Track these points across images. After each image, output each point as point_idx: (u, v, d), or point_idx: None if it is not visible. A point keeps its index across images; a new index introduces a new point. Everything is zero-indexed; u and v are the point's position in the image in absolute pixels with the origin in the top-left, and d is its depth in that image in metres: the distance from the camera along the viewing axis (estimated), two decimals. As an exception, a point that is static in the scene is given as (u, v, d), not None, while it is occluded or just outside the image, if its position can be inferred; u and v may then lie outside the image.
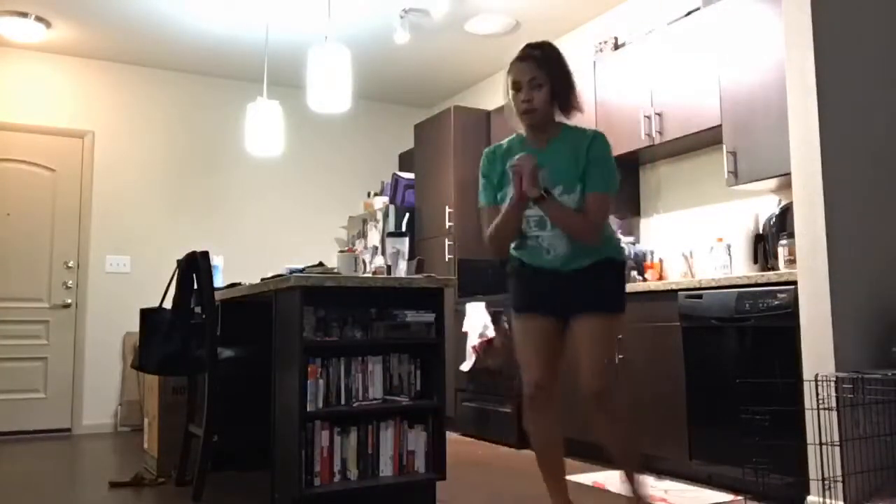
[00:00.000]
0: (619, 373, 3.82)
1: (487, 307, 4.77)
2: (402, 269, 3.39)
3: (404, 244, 3.49)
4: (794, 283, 2.95)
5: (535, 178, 2.20)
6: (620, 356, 3.80)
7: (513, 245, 2.46)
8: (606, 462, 3.96)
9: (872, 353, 2.77)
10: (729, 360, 3.26)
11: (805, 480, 2.73)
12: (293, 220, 6.46)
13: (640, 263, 4.41)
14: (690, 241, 4.29)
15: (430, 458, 3.07)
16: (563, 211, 2.26)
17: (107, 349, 5.68)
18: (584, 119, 4.76)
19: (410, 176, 6.16)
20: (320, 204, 6.58)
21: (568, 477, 3.61)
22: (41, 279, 5.58)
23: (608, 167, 2.31)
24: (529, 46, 2.33)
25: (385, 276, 3.29)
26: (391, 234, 3.58)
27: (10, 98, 5.57)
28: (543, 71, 2.27)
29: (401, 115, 7.05)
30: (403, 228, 5.84)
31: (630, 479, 2.40)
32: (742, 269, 3.73)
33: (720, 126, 3.72)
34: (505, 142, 2.46)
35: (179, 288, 3.53)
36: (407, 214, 5.93)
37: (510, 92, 2.32)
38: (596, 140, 2.30)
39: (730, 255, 3.85)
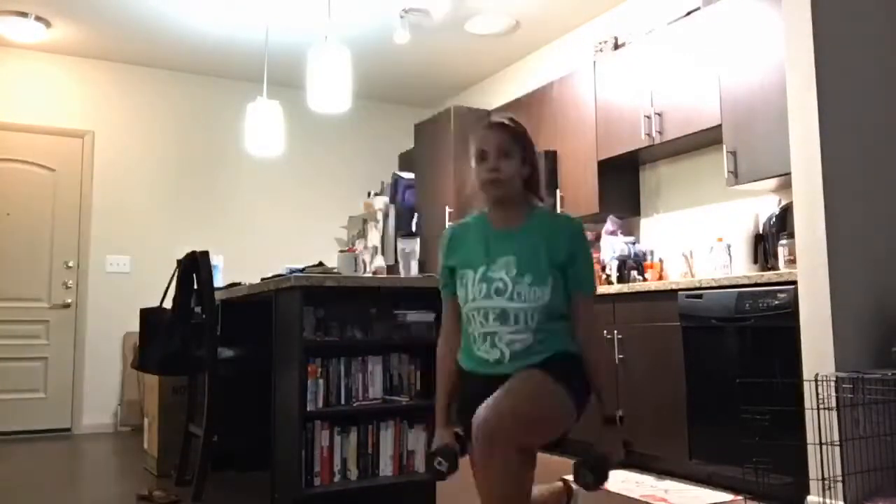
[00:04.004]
0: (619, 373, 3.82)
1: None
2: (413, 270, 3.39)
3: (415, 245, 3.49)
4: (794, 283, 2.95)
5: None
6: (621, 356, 3.81)
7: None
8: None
9: (872, 353, 2.77)
10: (729, 360, 3.26)
11: (805, 480, 2.73)
12: (293, 219, 6.45)
13: (640, 263, 4.41)
14: (690, 241, 4.29)
15: (430, 458, 3.07)
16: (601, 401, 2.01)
17: (107, 349, 5.68)
18: (584, 119, 4.78)
19: (410, 176, 6.14)
20: (320, 204, 6.58)
21: (569, 477, 3.63)
22: (41, 279, 5.58)
23: (591, 264, 2.06)
24: (498, 116, 2.09)
25: (385, 275, 3.29)
26: (402, 235, 3.58)
27: (10, 98, 5.57)
28: (513, 141, 2.01)
29: (401, 115, 7.05)
30: (413, 229, 5.83)
31: None
32: (742, 269, 3.73)
33: (720, 126, 3.72)
34: (467, 219, 2.17)
35: (179, 288, 3.53)
36: (416, 215, 5.92)
37: (473, 162, 2.05)
38: (577, 231, 2.03)
39: (730, 255, 3.85)
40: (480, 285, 1.97)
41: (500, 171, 1.99)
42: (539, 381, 1.86)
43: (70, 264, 5.67)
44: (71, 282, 5.66)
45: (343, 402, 2.96)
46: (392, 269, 3.65)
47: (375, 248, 5.89)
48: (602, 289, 3.99)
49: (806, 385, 2.68)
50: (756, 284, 3.17)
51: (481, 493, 1.80)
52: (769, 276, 3.13)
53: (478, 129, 2.06)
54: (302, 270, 3.12)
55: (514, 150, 2.00)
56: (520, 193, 2.05)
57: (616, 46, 4.65)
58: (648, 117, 4.13)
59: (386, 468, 2.98)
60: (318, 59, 3.81)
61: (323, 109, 3.93)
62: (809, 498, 2.74)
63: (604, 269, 4.48)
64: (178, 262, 3.59)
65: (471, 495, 2.00)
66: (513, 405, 1.77)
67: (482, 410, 1.77)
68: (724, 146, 3.68)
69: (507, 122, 2.05)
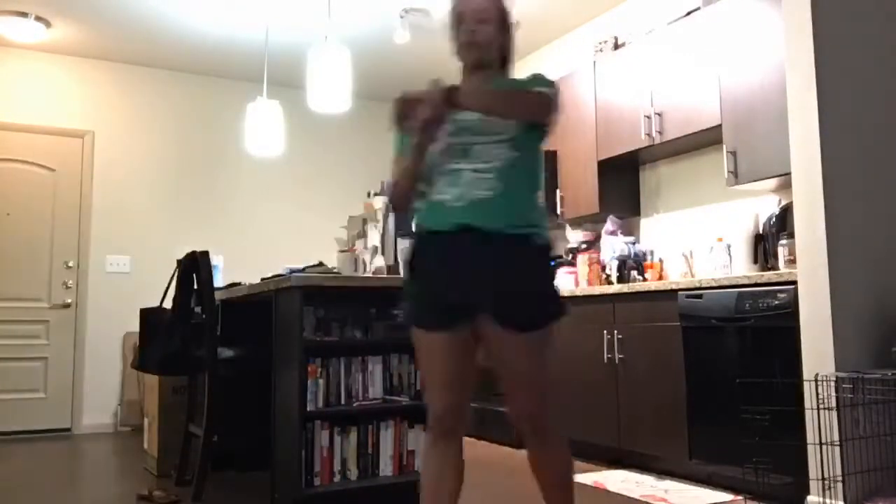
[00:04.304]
0: (619, 373, 3.82)
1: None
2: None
3: None
4: (794, 283, 2.95)
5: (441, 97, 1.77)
6: (621, 356, 3.81)
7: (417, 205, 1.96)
8: (607, 462, 3.96)
9: (872, 353, 2.77)
10: (729, 360, 3.26)
11: (805, 480, 2.74)
12: (293, 219, 6.46)
13: (640, 263, 4.41)
14: (690, 241, 4.29)
15: (430, 458, 3.07)
16: (499, 92, 1.91)
17: (107, 349, 5.68)
18: (584, 119, 4.77)
19: (410, 176, 6.14)
20: (320, 204, 6.58)
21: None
22: (41, 279, 5.58)
23: (552, 94, 1.96)
24: None
25: (385, 275, 3.29)
26: (402, 235, 3.59)
27: (10, 98, 5.56)
28: (491, 6, 2.02)
29: (401, 115, 7.04)
30: (413, 229, 5.83)
31: None
32: (742, 269, 3.73)
33: (720, 126, 3.72)
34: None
35: (179, 288, 3.53)
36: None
37: (450, 27, 2.01)
38: (544, 82, 1.99)
39: (730, 255, 3.85)
40: (448, 126, 1.85)
41: (477, 34, 1.97)
42: (539, 354, 1.85)
43: (70, 264, 5.67)
44: (71, 282, 5.66)
45: (343, 402, 2.96)
46: (392, 269, 3.65)
47: (375, 248, 5.89)
48: (602, 289, 3.99)
49: (806, 385, 2.68)
50: (756, 284, 3.17)
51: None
52: (769, 276, 3.13)
53: None
54: (302, 270, 3.12)
55: (492, 16, 2.01)
56: (496, 61, 2.03)
57: (616, 46, 4.65)
58: (648, 117, 4.13)
59: (386, 468, 2.98)
60: (318, 59, 3.81)
61: (323, 109, 3.93)
62: (809, 498, 2.74)
63: (604, 268, 4.49)
64: (178, 262, 3.59)
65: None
66: (534, 402, 1.87)
67: (513, 407, 1.90)
68: (724, 146, 3.68)
69: None
